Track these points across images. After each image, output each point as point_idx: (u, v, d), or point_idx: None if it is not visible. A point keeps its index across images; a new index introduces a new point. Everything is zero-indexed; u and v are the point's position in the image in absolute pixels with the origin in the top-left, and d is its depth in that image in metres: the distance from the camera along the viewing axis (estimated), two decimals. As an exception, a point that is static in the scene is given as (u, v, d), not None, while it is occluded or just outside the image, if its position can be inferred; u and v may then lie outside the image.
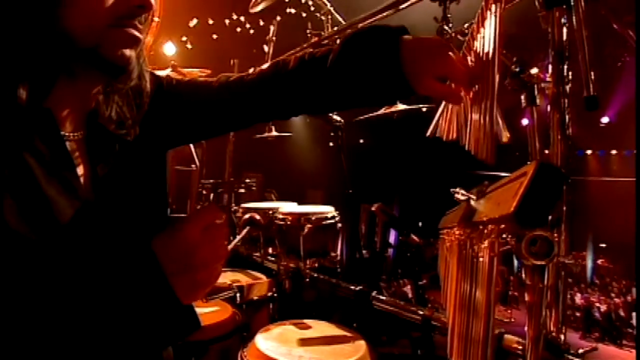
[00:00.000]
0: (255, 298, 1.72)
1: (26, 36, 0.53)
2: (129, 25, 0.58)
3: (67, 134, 0.60)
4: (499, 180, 0.53)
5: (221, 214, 0.54)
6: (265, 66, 0.84)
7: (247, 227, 0.98)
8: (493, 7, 0.63)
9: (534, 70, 0.91)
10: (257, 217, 1.78)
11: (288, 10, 4.04)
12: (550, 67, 0.84)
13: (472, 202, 0.67)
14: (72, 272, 0.50)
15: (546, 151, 0.87)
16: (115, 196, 0.64)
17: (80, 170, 0.61)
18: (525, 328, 0.68)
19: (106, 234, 0.61)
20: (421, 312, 1.32)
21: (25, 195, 0.52)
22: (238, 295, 1.59)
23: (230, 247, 0.55)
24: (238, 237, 1.12)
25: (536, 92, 0.85)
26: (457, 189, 0.74)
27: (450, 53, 0.64)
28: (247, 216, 1.99)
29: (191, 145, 2.89)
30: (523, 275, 0.67)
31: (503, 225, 0.46)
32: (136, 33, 0.59)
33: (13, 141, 0.52)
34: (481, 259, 0.53)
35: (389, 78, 0.67)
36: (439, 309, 1.32)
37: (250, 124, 0.85)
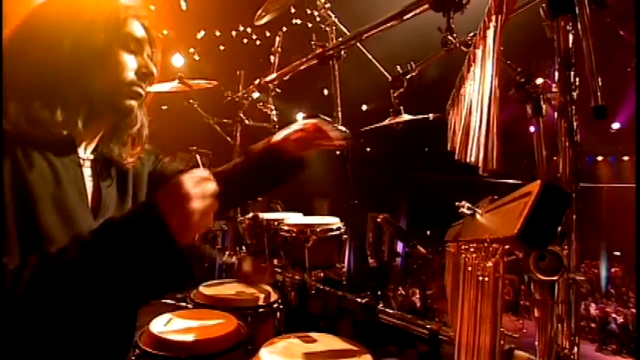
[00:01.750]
0: (261, 310, 1.71)
1: (72, 89, 0.79)
2: (136, 85, 0.86)
3: (81, 156, 0.86)
4: (505, 197, 0.52)
5: (208, 174, 0.73)
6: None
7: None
8: (493, 18, 0.62)
9: (539, 81, 0.90)
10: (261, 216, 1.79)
11: (294, 21, 4.08)
12: (557, 74, 0.83)
13: (478, 217, 0.65)
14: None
15: (554, 158, 0.85)
16: (112, 204, 0.90)
17: (89, 181, 0.86)
18: (536, 343, 0.66)
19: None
20: (429, 326, 1.30)
21: (53, 199, 0.74)
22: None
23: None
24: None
25: (542, 103, 0.83)
26: (463, 203, 0.72)
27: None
28: (250, 215, 2.00)
29: (197, 155, 2.90)
30: (532, 289, 0.66)
31: (508, 246, 0.45)
32: (140, 90, 0.87)
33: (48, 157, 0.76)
34: (486, 279, 0.52)
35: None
36: (446, 323, 1.29)
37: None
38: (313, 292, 1.72)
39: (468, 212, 0.71)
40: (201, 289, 1.85)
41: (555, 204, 0.35)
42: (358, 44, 1.74)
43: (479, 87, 0.65)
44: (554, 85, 0.81)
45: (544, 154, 0.86)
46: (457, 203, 0.74)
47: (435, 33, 1.32)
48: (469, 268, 0.63)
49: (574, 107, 0.80)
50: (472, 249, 0.62)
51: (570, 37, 0.81)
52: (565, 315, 0.77)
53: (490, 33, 0.62)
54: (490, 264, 0.50)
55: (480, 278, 0.53)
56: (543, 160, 0.84)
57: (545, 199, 0.35)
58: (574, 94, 0.81)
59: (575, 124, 0.79)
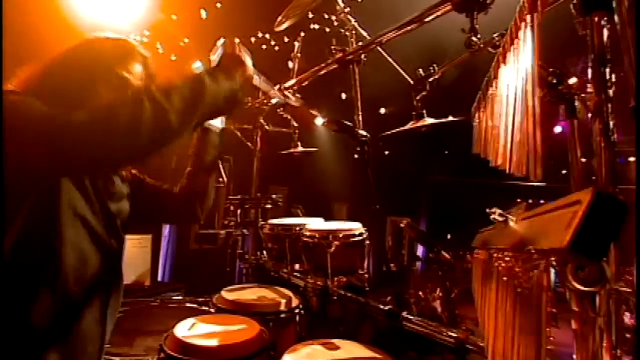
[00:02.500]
0: (282, 316, 1.70)
1: None
2: None
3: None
4: (544, 204, 0.49)
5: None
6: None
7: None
8: (528, 17, 0.60)
9: (572, 80, 0.86)
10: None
11: (312, 26, 4.09)
12: (589, 71, 0.79)
13: (512, 224, 0.63)
14: None
15: (583, 159, 0.81)
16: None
17: None
18: (574, 356, 0.62)
19: None
20: (455, 335, 1.26)
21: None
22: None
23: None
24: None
25: (577, 104, 0.80)
26: (494, 209, 0.70)
27: None
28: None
29: (219, 162, 2.95)
30: (567, 295, 0.62)
31: (553, 257, 0.43)
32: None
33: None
34: (526, 290, 0.49)
35: None
36: (474, 332, 1.25)
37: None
38: (335, 298, 1.70)
39: (500, 218, 0.69)
40: (223, 293, 1.86)
41: (610, 215, 0.33)
42: (378, 47, 1.72)
43: (514, 89, 0.63)
44: (589, 84, 0.78)
45: (579, 156, 0.82)
46: (487, 209, 0.72)
47: (448, 35, 1.29)
48: (504, 278, 0.61)
49: (609, 105, 0.76)
50: (507, 258, 0.60)
51: (605, 32, 0.77)
52: (605, 327, 0.73)
53: (524, 33, 0.59)
54: (532, 275, 0.47)
55: (519, 289, 0.51)
56: (578, 163, 0.80)
57: (598, 209, 0.33)
58: (610, 91, 0.77)
59: (611, 123, 0.75)
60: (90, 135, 0.73)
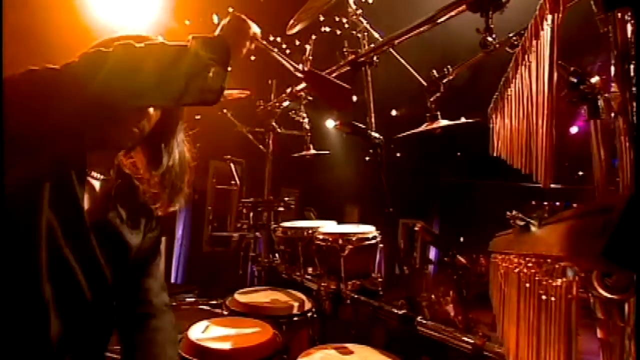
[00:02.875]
0: (295, 319, 1.70)
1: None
2: None
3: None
4: (569, 208, 0.47)
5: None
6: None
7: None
8: (549, 17, 0.58)
9: (595, 79, 0.83)
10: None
11: (323, 29, 4.09)
12: (612, 69, 0.76)
13: (534, 229, 0.61)
14: None
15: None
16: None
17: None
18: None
19: None
20: (472, 341, 1.23)
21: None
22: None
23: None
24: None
25: (600, 104, 0.77)
26: (515, 213, 0.68)
27: None
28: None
29: (231, 164, 2.97)
30: (591, 301, 0.60)
31: (583, 265, 0.41)
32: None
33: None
34: (552, 299, 0.47)
35: None
36: (490, 338, 1.22)
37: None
38: (348, 301, 1.69)
39: (521, 223, 0.67)
40: (236, 296, 1.86)
41: (644, 221, 0.31)
42: (390, 49, 1.71)
43: (535, 90, 0.61)
44: (613, 83, 0.75)
45: (603, 158, 0.79)
46: (508, 213, 0.70)
47: (460, 35, 1.27)
48: (527, 285, 0.59)
49: (634, 103, 0.73)
50: (529, 264, 0.58)
51: (629, 27, 0.74)
52: (632, 335, 0.70)
53: (545, 34, 0.58)
54: (558, 283, 0.45)
55: (544, 297, 0.49)
56: (602, 165, 0.77)
57: (631, 215, 0.31)
58: (634, 89, 0.74)
59: (636, 122, 0.72)
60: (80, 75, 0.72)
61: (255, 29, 1.03)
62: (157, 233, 1.08)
